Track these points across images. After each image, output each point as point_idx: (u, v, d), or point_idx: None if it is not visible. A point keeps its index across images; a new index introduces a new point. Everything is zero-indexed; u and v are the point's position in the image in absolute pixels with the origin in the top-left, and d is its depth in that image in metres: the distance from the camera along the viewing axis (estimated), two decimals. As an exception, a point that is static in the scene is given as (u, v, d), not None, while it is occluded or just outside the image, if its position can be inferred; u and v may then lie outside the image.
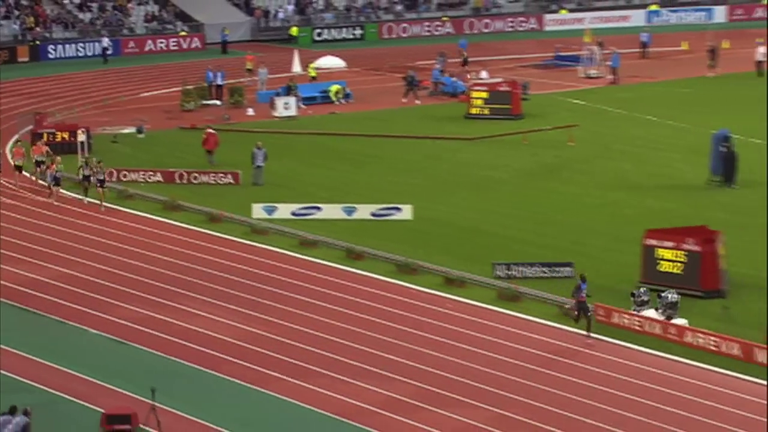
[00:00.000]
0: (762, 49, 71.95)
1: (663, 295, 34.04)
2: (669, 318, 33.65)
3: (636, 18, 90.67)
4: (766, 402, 28.56)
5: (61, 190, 48.02)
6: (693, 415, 28.66)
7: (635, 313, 34.18)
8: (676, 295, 33.99)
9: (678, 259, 36.44)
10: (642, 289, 34.88)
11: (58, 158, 48.68)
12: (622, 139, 57.66)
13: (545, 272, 38.45)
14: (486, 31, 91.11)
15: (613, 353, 32.76)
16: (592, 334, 33.25)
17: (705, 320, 33.90)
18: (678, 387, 30.38)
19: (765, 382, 29.99)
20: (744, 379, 30.81)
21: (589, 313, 33.61)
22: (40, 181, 50.03)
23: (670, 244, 36.68)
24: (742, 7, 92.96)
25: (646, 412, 28.80)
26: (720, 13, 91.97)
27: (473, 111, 62.63)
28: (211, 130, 54.82)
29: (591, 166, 52.73)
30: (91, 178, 47.13)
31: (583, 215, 45.55)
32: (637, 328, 33.89)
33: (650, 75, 73.76)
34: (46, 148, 50.87)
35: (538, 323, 35.03)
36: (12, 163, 51.92)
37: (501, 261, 38.75)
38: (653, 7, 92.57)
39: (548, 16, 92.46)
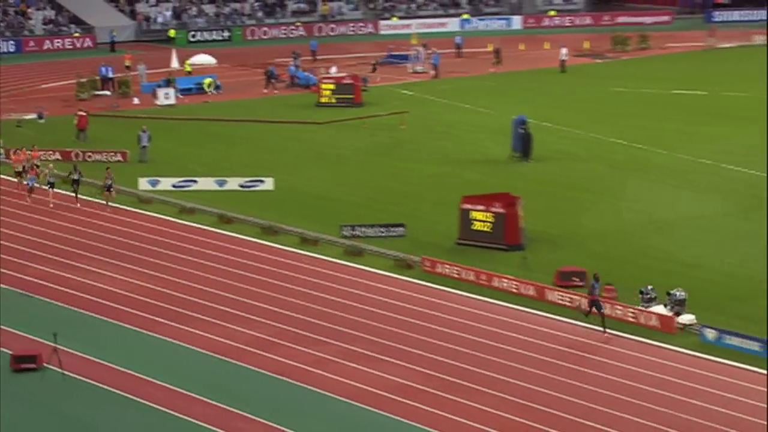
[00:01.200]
0: (564, 50, 73.09)
1: (671, 293, 30.69)
2: (677, 314, 30.25)
3: (452, 25, 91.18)
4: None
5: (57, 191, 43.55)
6: (495, 344, 29.17)
7: (457, 264, 34.47)
8: (683, 293, 30.69)
9: (487, 219, 36.65)
10: (650, 287, 31.15)
11: (50, 165, 44.33)
12: (443, 123, 57.83)
13: (382, 232, 38.39)
14: (332, 34, 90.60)
15: (437, 296, 33.05)
16: (608, 330, 29.73)
17: (508, 268, 34.33)
18: (485, 321, 30.90)
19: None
20: (538, 314, 31.38)
21: (602, 310, 29.71)
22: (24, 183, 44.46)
23: (481, 207, 36.89)
24: (534, 17, 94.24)
25: (460, 341, 29.17)
26: (517, 22, 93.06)
27: (323, 100, 61.97)
28: (81, 112, 53.65)
29: (419, 145, 52.72)
30: (80, 180, 42.88)
31: (413, 185, 45.60)
32: (456, 276, 34.19)
33: (464, 71, 74.17)
34: (39, 154, 46.43)
35: (377, 273, 35.04)
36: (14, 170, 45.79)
37: (347, 223, 38.63)
38: (465, 16, 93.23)
39: (382, 22, 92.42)
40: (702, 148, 49.87)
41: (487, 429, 24.53)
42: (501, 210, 36.59)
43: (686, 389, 26.41)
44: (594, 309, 29.71)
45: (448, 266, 34.67)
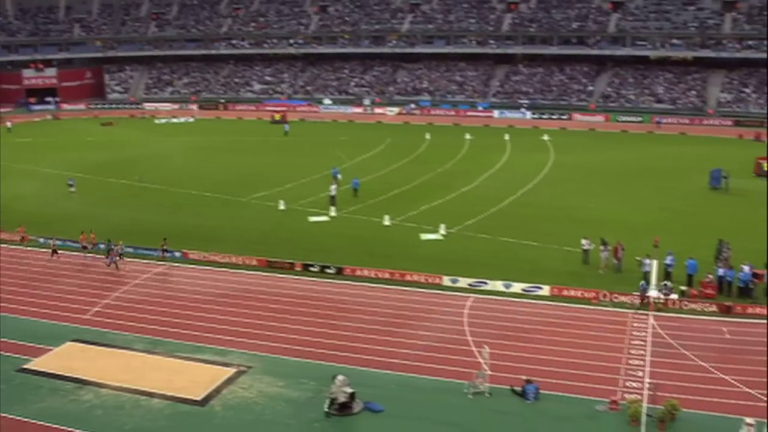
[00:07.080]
0: (9, 124, 63.23)
1: (664, 283, 24.66)
2: (666, 295, 24.27)
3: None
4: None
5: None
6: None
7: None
8: (671, 284, 24.75)
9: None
10: (643, 282, 24.78)
11: (120, 242, 29.79)
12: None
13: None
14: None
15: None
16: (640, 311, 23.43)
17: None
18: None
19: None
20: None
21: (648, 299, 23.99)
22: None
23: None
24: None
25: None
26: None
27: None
28: None
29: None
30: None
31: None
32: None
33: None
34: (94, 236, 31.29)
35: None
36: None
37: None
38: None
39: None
40: (50, 163, 45.41)
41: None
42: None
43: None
44: (644, 300, 24.36)
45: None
